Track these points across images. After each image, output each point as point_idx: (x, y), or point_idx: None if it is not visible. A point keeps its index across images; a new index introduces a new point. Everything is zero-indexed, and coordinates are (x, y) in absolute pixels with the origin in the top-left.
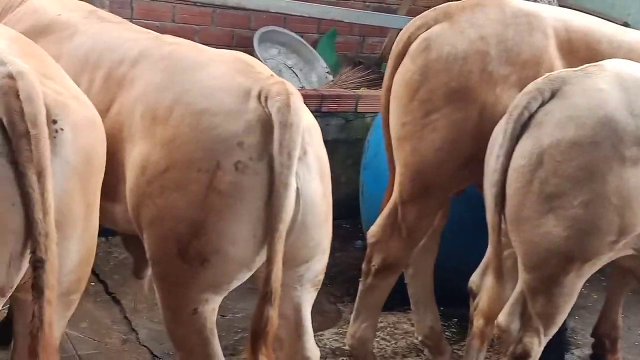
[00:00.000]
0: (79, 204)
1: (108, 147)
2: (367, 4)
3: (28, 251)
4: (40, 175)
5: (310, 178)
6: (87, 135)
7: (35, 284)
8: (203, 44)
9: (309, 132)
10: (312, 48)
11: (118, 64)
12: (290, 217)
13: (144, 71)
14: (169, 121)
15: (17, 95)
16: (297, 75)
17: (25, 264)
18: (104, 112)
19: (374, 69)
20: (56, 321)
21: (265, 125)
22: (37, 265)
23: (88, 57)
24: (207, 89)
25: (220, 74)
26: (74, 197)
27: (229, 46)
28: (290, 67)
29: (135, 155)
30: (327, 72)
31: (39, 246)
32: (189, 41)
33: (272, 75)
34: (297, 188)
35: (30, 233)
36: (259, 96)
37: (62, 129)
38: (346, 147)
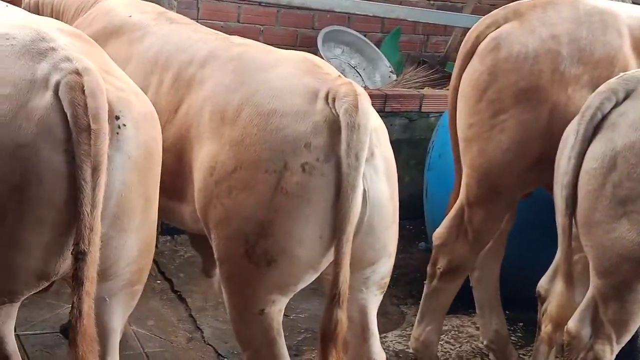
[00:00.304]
0: (138, 197)
1: (176, 147)
2: (431, 2)
3: (71, 242)
4: (95, 170)
5: (378, 179)
6: (147, 131)
7: (76, 275)
8: (267, 43)
9: (376, 133)
10: (375, 47)
11: (187, 64)
12: (357, 219)
13: (213, 72)
14: (237, 122)
15: (83, 91)
16: (360, 75)
17: (69, 255)
18: (172, 112)
19: (438, 68)
20: (120, 312)
21: (333, 127)
22: (79, 257)
23: (158, 58)
24: (275, 90)
25: (288, 74)
26: (134, 191)
27: (292, 46)
28: (353, 67)
29: (203, 156)
30: (391, 72)
31: (84, 239)
32: (258, 42)
33: (339, 76)
34: (364, 190)
35: (77, 226)
36: (326, 97)
37: (124, 125)
38: (410, 147)
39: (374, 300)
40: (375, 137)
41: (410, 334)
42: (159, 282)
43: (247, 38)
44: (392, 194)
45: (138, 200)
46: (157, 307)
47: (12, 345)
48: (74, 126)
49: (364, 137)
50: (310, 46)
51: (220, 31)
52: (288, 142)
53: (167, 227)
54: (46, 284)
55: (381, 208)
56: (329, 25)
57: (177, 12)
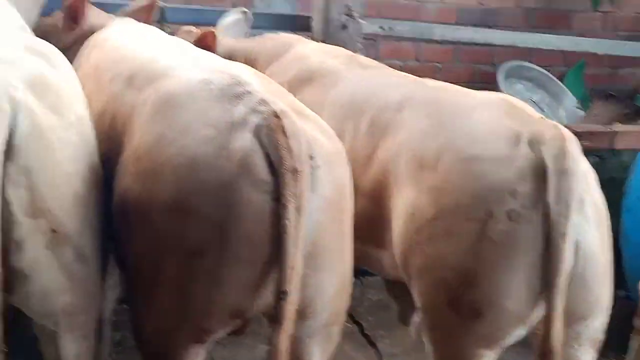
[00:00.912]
0: (332, 236)
1: (374, 192)
2: (617, 33)
3: (267, 280)
4: (299, 210)
5: (589, 228)
6: (338, 169)
7: (276, 314)
8: (445, 81)
9: (585, 179)
10: (559, 82)
11: (381, 109)
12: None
13: (408, 116)
14: (436, 168)
15: (284, 133)
16: (543, 111)
17: (266, 293)
18: (368, 157)
19: (627, 102)
20: (319, 353)
21: (538, 172)
22: (281, 296)
23: (352, 103)
24: (476, 134)
25: (488, 118)
26: (328, 230)
27: (470, 82)
28: (536, 103)
29: (402, 202)
30: (577, 107)
31: (286, 278)
32: (452, 85)
33: (542, 117)
34: (575, 239)
35: (280, 265)
36: (530, 141)
37: (318, 165)
38: (601, 187)
39: (587, 359)
40: (585, 183)
41: None
42: (348, 325)
43: (425, 76)
44: (605, 243)
45: (332, 238)
46: (348, 350)
47: None
48: (279, 168)
49: (574, 183)
50: (488, 82)
51: (399, 70)
52: (491, 188)
53: (356, 269)
54: (238, 323)
55: (593, 258)
56: (507, 60)
57: (360, 53)
